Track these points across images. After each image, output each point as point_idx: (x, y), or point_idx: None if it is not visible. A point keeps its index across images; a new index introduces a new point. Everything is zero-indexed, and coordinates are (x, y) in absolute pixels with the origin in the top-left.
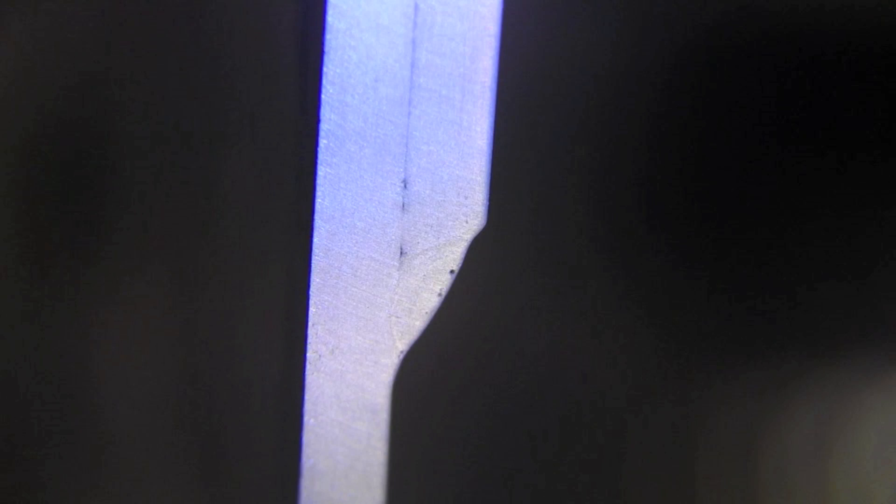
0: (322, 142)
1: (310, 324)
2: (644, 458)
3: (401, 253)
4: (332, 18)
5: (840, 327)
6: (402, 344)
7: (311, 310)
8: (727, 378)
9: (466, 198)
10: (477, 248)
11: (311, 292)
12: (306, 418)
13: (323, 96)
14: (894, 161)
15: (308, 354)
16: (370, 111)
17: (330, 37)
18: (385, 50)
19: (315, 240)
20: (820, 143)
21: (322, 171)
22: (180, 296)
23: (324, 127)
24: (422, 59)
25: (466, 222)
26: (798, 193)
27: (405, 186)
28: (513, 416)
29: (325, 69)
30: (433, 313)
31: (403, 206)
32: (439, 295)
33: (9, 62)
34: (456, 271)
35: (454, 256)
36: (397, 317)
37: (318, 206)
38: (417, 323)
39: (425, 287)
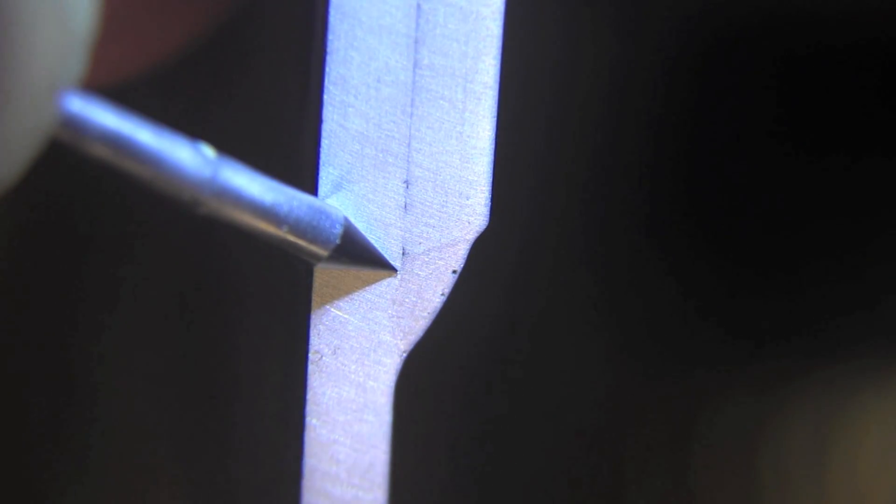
0: (324, 142)
1: (311, 324)
2: (644, 458)
3: (403, 253)
4: (334, 19)
5: (840, 327)
6: (405, 344)
7: (313, 309)
8: (727, 378)
9: (468, 198)
10: (479, 249)
11: (312, 292)
12: (308, 419)
13: (325, 97)
14: (894, 161)
15: (310, 354)
16: (372, 112)
17: (332, 37)
18: (387, 50)
19: None
20: (820, 143)
21: (324, 171)
22: (180, 295)
23: (326, 127)
24: (424, 59)
25: (469, 223)
26: (798, 193)
27: (407, 187)
28: (514, 416)
29: (326, 69)
30: (435, 313)
31: (405, 206)
32: (442, 295)
33: None
34: (458, 272)
35: (456, 257)
36: (399, 317)
37: None
38: (420, 323)
39: (427, 287)
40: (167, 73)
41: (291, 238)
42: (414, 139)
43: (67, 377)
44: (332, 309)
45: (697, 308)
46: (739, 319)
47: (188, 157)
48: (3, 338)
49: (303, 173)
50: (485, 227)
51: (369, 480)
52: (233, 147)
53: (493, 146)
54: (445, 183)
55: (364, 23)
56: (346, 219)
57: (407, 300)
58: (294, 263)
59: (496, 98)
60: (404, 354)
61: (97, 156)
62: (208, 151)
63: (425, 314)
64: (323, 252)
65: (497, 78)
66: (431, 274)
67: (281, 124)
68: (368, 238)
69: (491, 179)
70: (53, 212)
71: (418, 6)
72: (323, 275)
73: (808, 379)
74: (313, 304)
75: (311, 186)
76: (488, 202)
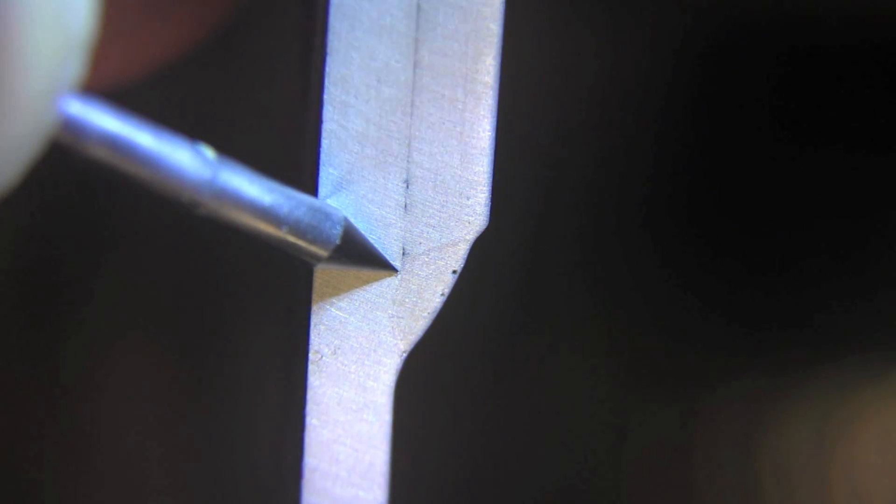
0: (324, 142)
1: (311, 324)
2: (644, 458)
3: (403, 253)
4: (334, 19)
5: (840, 327)
6: (405, 344)
7: (313, 309)
8: (727, 379)
9: (468, 198)
10: (479, 249)
11: (312, 292)
12: (308, 419)
13: (325, 97)
14: (895, 160)
15: (310, 354)
16: (372, 111)
17: (332, 37)
18: (387, 50)
19: None
20: (820, 142)
21: (324, 171)
22: (181, 294)
23: (326, 127)
24: (424, 59)
25: (469, 223)
26: (798, 190)
27: (407, 187)
28: (514, 416)
29: (327, 69)
30: (435, 314)
31: (405, 206)
32: (442, 295)
33: None
34: (458, 272)
35: (456, 257)
36: (399, 317)
37: None
38: (420, 323)
39: (428, 287)
40: (167, 74)
41: (291, 239)
42: (414, 139)
43: (67, 376)
44: (332, 309)
45: (698, 306)
46: (740, 316)
47: (188, 158)
48: (2, 338)
49: (303, 173)
50: (485, 227)
51: (369, 480)
52: (233, 147)
53: (493, 146)
54: (445, 183)
55: (364, 23)
56: (346, 219)
57: (407, 300)
58: (294, 263)
59: (496, 98)
60: (404, 354)
61: (96, 158)
62: (208, 152)
63: (425, 314)
64: (323, 252)
65: (497, 78)
66: (431, 274)
67: (281, 124)
68: (368, 238)
69: (491, 179)
70: (53, 214)
71: (418, 6)
72: (323, 275)
73: (810, 375)
74: (313, 304)
75: (311, 186)
76: (488, 202)
